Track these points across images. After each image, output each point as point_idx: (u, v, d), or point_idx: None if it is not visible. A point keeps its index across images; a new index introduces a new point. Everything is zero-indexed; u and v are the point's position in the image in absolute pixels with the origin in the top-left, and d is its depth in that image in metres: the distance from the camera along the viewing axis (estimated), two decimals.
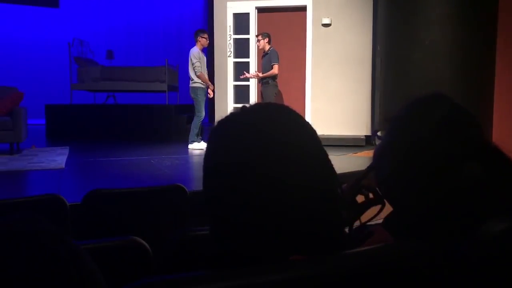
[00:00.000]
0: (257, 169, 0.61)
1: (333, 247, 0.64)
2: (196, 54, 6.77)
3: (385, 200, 0.99)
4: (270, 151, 0.62)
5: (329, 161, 0.67)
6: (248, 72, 7.43)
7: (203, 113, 6.87)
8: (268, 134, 0.63)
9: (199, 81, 6.79)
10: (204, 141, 6.98)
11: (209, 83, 6.97)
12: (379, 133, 1.07)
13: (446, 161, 0.82)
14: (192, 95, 6.86)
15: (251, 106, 0.69)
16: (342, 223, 0.70)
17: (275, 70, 6.86)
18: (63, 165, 5.20)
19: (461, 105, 0.88)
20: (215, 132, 0.69)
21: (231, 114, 0.69)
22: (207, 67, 7.05)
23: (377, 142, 1.02)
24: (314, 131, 0.68)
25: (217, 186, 0.65)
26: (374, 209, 1.04)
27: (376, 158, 0.94)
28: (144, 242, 1.23)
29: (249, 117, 0.67)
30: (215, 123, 0.71)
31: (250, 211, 0.62)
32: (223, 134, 0.67)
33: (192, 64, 6.74)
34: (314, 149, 0.66)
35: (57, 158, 5.68)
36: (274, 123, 0.65)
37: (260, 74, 7.12)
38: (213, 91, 7.16)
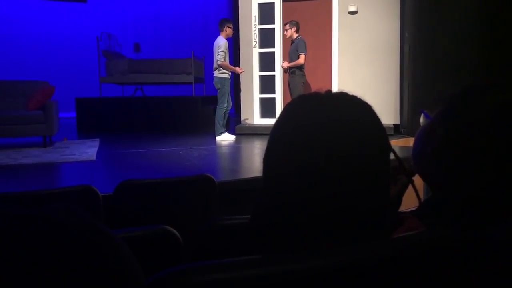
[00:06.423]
0: (322, 150, 0.64)
1: (376, 235, 0.66)
2: (224, 44, 6.70)
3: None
4: (336, 139, 0.65)
5: (389, 157, 0.70)
6: (282, 65, 7.37)
7: (227, 104, 6.81)
8: (339, 124, 0.66)
9: (227, 71, 6.78)
10: (229, 133, 6.97)
11: (233, 68, 7.00)
12: (426, 112, 0.97)
13: (499, 148, 0.77)
14: (218, 85, 6.76)
15: (336, 93, 0.72)
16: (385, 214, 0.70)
17: (301, 60, 6.79)
18: (94, 157, 5.31)
19: None
20: (292, 107, 0.71)
21: (311, 95, 0.71)
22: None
23: (422, 122, 0.96)
24: (386, 136, 0.71)
25: (281, 159, 0.67)
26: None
27: (421, 138, 0.89)
28: (174, 231, 1.25)
29: (326, 103, 0.69)
30: (295, 99, 0.73)
31: (310, 191, 0.63)
32: (299, 112, 0.69)
33: (218, 53, 6.67)
34: (380, 147, 0.69)
35: (88, 150, 5.80)
36: (349, 116, 0.69)
37: (285, 65, 7.06)
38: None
